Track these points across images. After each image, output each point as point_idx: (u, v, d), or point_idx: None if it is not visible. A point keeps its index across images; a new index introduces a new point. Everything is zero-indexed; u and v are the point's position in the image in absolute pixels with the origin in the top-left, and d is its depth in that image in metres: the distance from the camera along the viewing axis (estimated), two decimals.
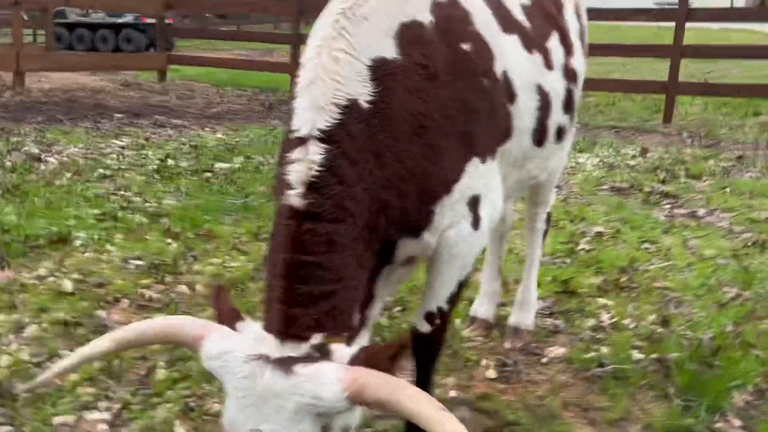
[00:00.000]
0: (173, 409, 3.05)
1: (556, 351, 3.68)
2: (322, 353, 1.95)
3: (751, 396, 3.29)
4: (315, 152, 2.05)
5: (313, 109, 2.09)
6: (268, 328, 1.98)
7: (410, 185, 2.25)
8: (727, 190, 6.90)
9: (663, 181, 7.26)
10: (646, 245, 5.30)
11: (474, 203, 2.48)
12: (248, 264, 4.67)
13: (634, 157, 8.52)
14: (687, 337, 3.80)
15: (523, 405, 3.17)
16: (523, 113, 2.73)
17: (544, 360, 3.61)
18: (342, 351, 1.96)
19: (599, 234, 5.51)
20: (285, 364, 1.88)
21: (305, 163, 2.05)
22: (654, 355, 3.59)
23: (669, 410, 3.12)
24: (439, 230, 2.42)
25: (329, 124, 2.08)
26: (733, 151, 8.82)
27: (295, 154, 2.07)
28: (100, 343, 2.09)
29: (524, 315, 3.88)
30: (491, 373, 3.44)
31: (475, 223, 2.50)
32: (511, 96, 2.64)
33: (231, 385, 1.91)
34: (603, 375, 3.43)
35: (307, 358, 1.92)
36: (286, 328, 1.96)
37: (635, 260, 4.89)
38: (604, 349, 3.67)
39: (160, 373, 3.31)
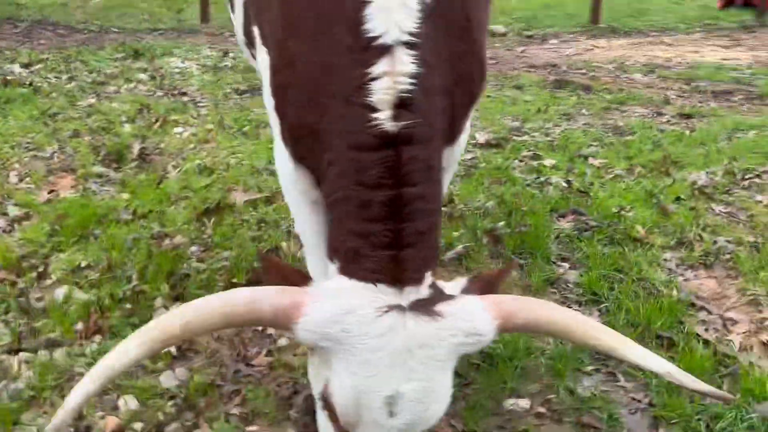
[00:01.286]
0: None
1: None
2: (436, 291, 1.82)
3: None
4: (406, 61, 1.78)
5: (396, 7, 1.79)
6: (373, 278, 1.76)
7: (460, 88, 2.01)
8: None
9: None
10: None
11: None
12: None
13: None
14: None
15: None
16: None
17: None
18: (447, 285, 1.86)
19: None
20: (424, 308, 1.71)
21: (394, 76, 1.77)
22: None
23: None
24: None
25: (416, 26, 1.80)
26: None
27: (380, 66, 1.77)
28: (132, 348, 1.62)
29: None
30: None
31: None
32: None
33: (361, 348, 1.66)
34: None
35: (442, 297, 1.77)
36: (402, 273, 1.76)
37: None
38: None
39: None
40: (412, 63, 1.77)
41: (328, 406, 1.78)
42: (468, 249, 3.88)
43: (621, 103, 7.13)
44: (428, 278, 1.81)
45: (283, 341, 3.16)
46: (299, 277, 1.81)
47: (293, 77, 2.02)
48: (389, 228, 1.76)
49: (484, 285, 1.83)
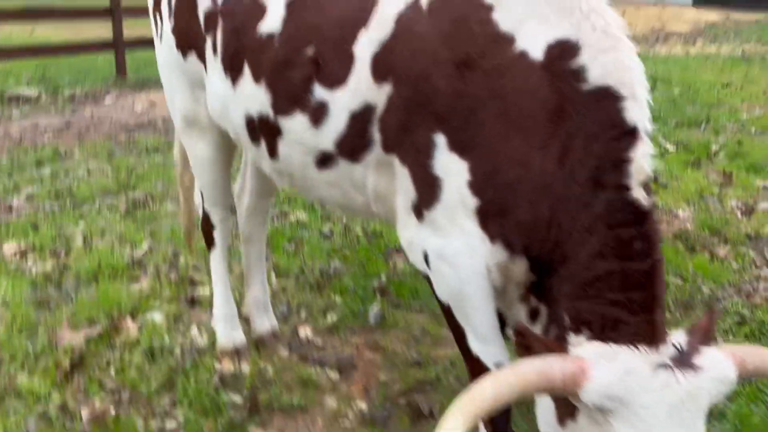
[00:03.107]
0: None
1: None
2: (683, 346, 1.89)
3: None
4: (648, 144, 2.03)
5: (639, 101, 2.04)
6: (633, 341, 1.87)
7: None
8: None
9: None
10: None
11: None
12: None
13: None
14: None
15: None
16: None
17: None
18: (675, 337, 1.94)
19: None
20: (686, 362, 1.82)
21: (642, 158, 2.00)
22: None
23: None
24: None
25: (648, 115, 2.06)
26: None
27: (634, 150, 2.00)
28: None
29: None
30: None
31: None
32: None
33: (642, 404, 1.77)
34: None
35: (692, 351, 1.86)
36: (657, 334, 1.89)
37: None
38: None
39: None
40: (651, 146, 2.05)
41: None
42: None
43: None
44: (670, 335, 1.96)
45: None
46: (560, 347, 1.94)
47: (523, 173, 2.11)
48: (647, 294, 1.94)
49: (703, 334, 1.94)
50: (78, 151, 7.54)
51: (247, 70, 2.69)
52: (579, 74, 2.04)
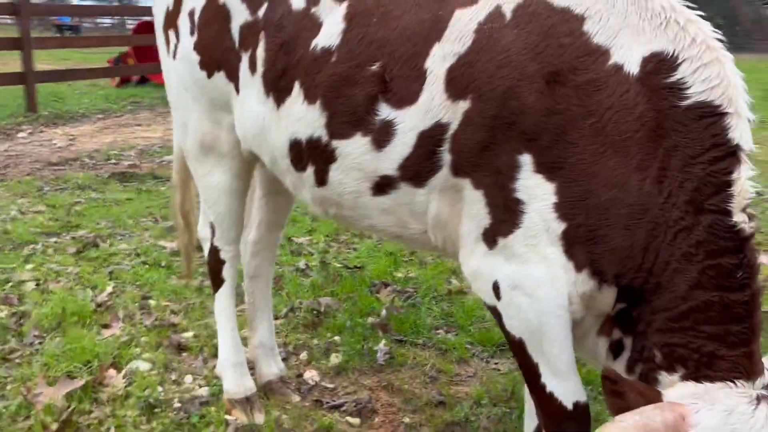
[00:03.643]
0: None
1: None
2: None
3: None
4: (748, 167, 1.90)
5: (742, 118, 1.90)
6: (730, 377, 1.81)
7: None
8: None
9: None
10: None
11: None
12: None
13: None
14: None
15: None
16: None
17: None
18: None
19: None
20: None
21: (745, 181, 1.87)
22: None
23: None
24: None
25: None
26: None
27: (737, 172, 1.87)
28: None
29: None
30: None
31: None
32: None
33: None
34: None
35: None
36: (754, 366, 1.82)
37: None
38: None
39: None
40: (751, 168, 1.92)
41: None
42: None
43: None
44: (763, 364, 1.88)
45: None
46: (655, 393, 1.81)
47: (619, 195, 1.94)
48: (746, 326, 1.84)
49: None
50: (1, 190, 6.96)
51: (297, 90, 2.44)
52: (678, 89, 1.91)
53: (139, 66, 15.51)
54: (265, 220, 3.39)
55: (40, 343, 3.75)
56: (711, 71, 1.90)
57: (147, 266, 4.85)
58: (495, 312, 2.23)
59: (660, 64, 1.93)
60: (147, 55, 16.22)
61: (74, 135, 10.13)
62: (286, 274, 4.70)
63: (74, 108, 12.55)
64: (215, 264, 3.22)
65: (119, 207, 6.37)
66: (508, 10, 2.09)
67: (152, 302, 4.27)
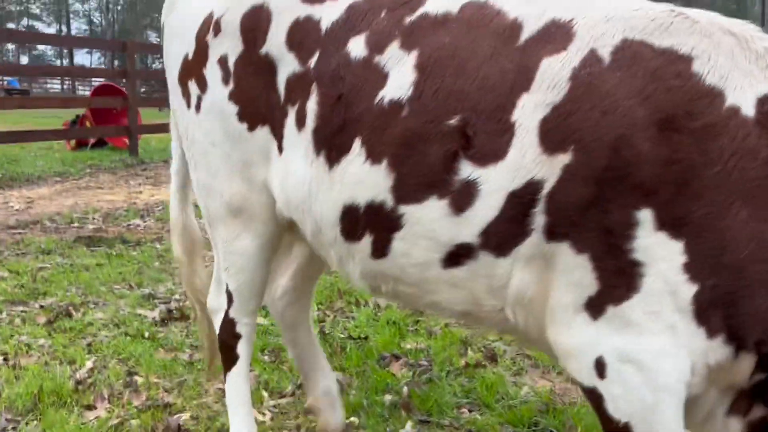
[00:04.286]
0: None
1: None
2: None
3: None
4: None
5: None
6: None
7: None
8: None
9: None
10: None
11: None
12: None
13: None
14: None
15: None
16: None
17: None
18: None
19: None
20: None
21: None
22: None
23: None
24: None
25: None
26: None
27: None
28: None
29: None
30: None
31: None
32: None
33: None
34: None
35: None
36: None
37: None
38: None
39: None
40: None
41: None
42: None
43: None
44: None
45: None
46: None
47: (756, 249, 1.71)
48: None
49: None
50: None
51: (357, 148, 2.16)
52: None
53: (98, 128, 15.08)
54: (302, 269, 3.13)
55: (14, 428, 3.27)
56: None
57: (129, 337, 4.38)
58: (593, 394, 1.92)
59: None
60: (105, 117, 15.88)
61: (32, 198, 9.62)
62: (286, 348, 4.29)
63: (29, 171, 12.07)
64: (229, 338, 2.84)
65: (89, 273, 5.88)
66: (605, 54, 1.87)
67: (139, 379, 3.80)
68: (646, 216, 1.77)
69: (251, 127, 2.50)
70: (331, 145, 2.22)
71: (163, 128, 19.11)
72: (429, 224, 2.05)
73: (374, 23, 2.21)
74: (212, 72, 2.56)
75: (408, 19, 2.17)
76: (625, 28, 1.87)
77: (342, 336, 4.51)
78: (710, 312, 1.76)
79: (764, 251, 1.71)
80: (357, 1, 2.28)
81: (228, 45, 2.51)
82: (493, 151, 1.93)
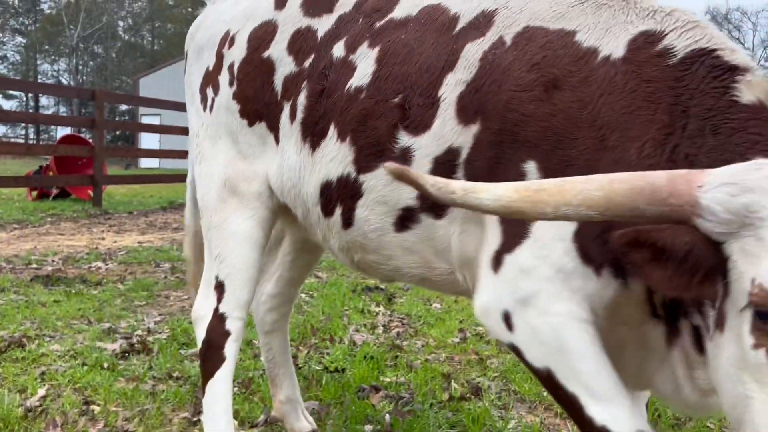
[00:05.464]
0: None
1: None
2: None
3: None
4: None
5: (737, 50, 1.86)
6: None
7: None
8: None
9: None
10: None
11: None
12: None
13: None
14: None
15: None
16: None
17: None
18: None
19: None
20: None
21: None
22: None
23: None
24: None
25: None
26: None
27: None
28: None
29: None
30: None
31: None
32: None
33: None
34: None
35: None
36: None
37: None
38: None
39: None
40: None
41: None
42: None
43: None
44: None
45: None
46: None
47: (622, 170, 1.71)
48: None
49: None
50: None
51: (332, 131, 2.41)
52: (667, 53, 1.85)
53: (62, 176, 14.74)
54: (286, 276, 3.31)
55: None
56: (695, 32, 1.87)
57: (86, 367, 4.06)
58: (515, 350, 2.00)
59: (646, 39, 1.90)
60: (69, 169, 15.56)
61: None
62: (256, 378, 4.00)
63: None
64: (217, 337, 2.70)
65: (46, 309, 5.55)
66: (509, 39, 2.10)
67: (96, 408, 3.49)
68: (531, 167, 1.92)
69: (251, 123, 2.73)
70: (314, 132, 2.46)
71: (129, 180, 18.85)
72: (381, 189, 2.27)
73: (353, 29, 2.48)
74: (224, 77, 2.82)
75: (378, 24, 2.42)
76: (530, 18, 2.08)
77: (318, 368, 4.24)
78: (592, 246, 1.81)
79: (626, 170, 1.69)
80: (345, 12, 2.54)
81: (236, 53, 2.76)
82: (423, 122, 2.17)
